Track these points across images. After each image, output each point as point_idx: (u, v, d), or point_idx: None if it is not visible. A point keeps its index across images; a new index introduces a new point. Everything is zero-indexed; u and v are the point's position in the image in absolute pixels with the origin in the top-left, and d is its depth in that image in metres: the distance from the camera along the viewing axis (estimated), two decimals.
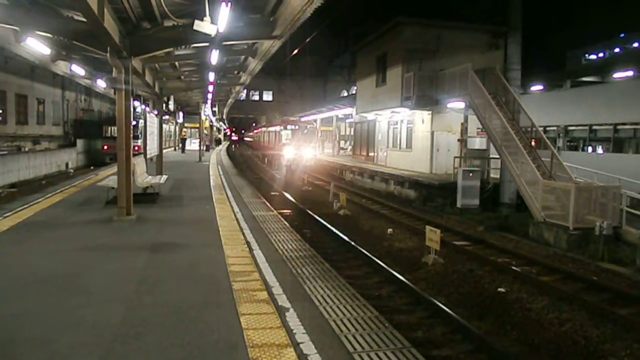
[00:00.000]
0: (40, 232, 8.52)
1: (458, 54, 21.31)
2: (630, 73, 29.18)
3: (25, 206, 10.99)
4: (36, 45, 12.96)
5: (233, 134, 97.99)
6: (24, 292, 5.52)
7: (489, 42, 23.44)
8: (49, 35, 11.92)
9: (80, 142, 31.63)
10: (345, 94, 53.97)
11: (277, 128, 34.39)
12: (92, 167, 28.06)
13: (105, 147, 31.22)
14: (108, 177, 14.96)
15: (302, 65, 66.52)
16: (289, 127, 32.37)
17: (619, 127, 26.58)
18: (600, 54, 56.50)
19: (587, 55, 58.09)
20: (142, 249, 7.47)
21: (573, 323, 7.56)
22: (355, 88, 37.47)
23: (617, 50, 54.30)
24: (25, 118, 26.39)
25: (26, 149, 25.47)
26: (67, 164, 28.27)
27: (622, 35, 55.51)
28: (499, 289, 9.04)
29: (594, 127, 28.09)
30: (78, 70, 18.81)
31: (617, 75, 30.18)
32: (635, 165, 20.40)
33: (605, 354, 6.71)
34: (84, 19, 8.02)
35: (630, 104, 25.00)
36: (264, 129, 48.85)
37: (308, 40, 25.00)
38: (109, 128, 31.84)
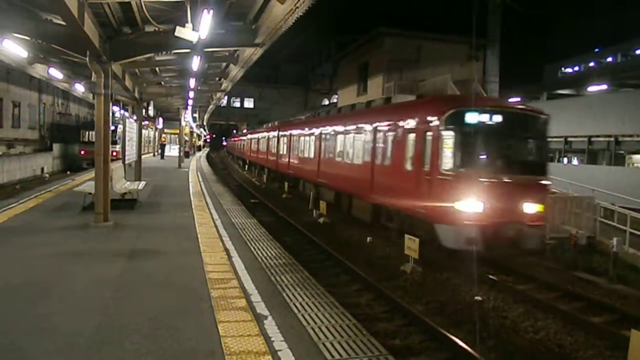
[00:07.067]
0: (14, 238, 8.34)
1: (438, 65, 21.70)
2: (604, 87, 29.95)
3: None
4: (13, 48, 12.73)
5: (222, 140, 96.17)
6: None
7: (468, 54, 23.90)
8: (26, 37, 11.74)
9: (56, 147, 31.10)
10: (327, 102, 54.18)
11: (363, 126, 14.41)
12: (68, 172, 27.63)
13: (83, 152, 30.76)
14: (85, 182, 14.72)
15: (284, 73, 66.81)
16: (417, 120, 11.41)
17: (593, 139, 27.25)
18: (576, 68, 57.87)
19: (563, 68, 59.43)
20: (119, 256, 7.37)
21: (547, 331, 7.68)
22: (336, 97, 37.63)
23: (592, 64, 55.71)
24: None
25: (0, 153, 24.93)
26: (42, 169, 27.74)
27: (597, 49, 57.00)
28: (476, 297, 9.14)
29: (569, 139, 28.73)
30: (56, 73, 18.53)
31: (592, 88, 30.95)
32: (608, 176, 20.91)
33: None
34: (64, 23, 7.95)
35: (604, 117, 25.67)
36: (275, 132, 27.37)
37: (290, 49, 24.65)
38: (87, 133, 31.37)
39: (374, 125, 13.47)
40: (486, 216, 9.70)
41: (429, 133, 10.56)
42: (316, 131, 19.18)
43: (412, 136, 11.34)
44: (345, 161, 15.77)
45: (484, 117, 10.17)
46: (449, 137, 10.10)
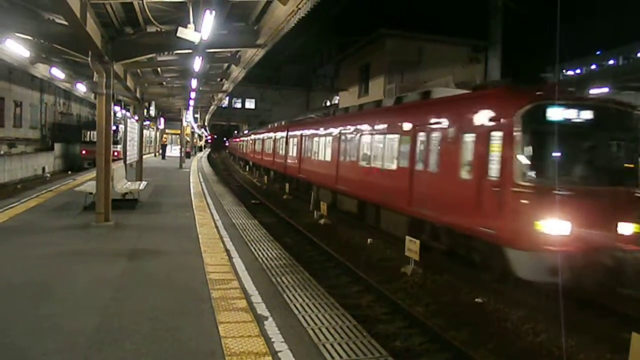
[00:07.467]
0: (15, 238, 8.35)
1: (440, 67, 21.70)
2: (605, 89, 29.90)
3: None
4: (15, 47, 12.75)
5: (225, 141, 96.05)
6: None
7: (470, 55, 23.92)
8: (28, 37, 11.77)
9: (58, 146, 31.17)
10: (328, 103, 54.17)
11: None
12: (69, 172, 27.67)
13: (84, 152, 30.83)
14: (86, 182, 14.74)
15: (285, 74, 66.82)
16: None
17: None
18: (578, 70, 57.93)
19: (565, 70, 59.50)
20: (119, 256, 7.38)
21: (548, 334, 7.66)
22: (338, 98, 37.63)
23: (593, 66, 55.77)
24: (1, 120, 25.90)
25: (1, 152, 24.97)
26: (43, 168, 27.80)
27: (598, 52, 57.10)
28: (477, 300, 9.13)
29: None
30: (58, 73, 18.54)
31: (593, 91, 30.87)
32: None
33: None
34: (66, 23, 7.97)
35: None
36: (284, 132, 24.92)
37: (291, 50, 24.31)
38: (88, 132, 31.44)
39: (414, 124, 11.40)
40: (575, 239, 7.67)
41: (495, 133, 8.44)
42: (334, 131, 16.89)
43: (469, 137, 9.20)
44: (373, 166, 13.61)
45: (571, 113, 8.04)
46: (526, 139, 7.93)
